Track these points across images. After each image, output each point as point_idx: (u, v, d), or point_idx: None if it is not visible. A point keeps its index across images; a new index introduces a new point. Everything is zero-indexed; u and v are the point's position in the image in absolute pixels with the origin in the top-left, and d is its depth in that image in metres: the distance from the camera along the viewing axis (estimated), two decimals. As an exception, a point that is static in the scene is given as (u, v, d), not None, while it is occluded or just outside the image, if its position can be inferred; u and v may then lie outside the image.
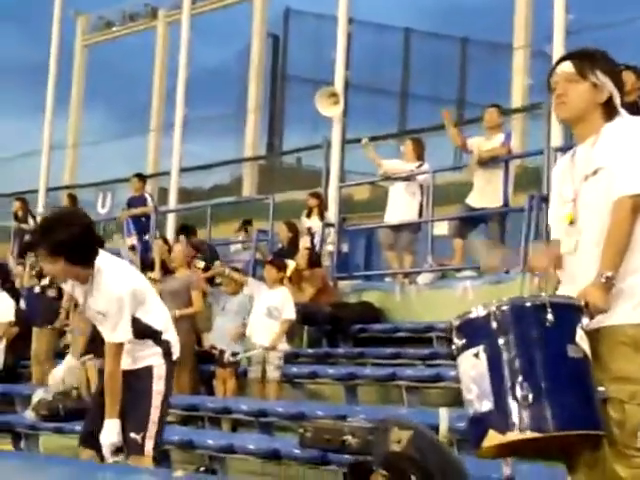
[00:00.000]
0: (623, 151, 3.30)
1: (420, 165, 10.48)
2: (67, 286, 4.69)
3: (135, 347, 4.53)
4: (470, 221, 9.89)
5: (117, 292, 4.39)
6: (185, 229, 11.81)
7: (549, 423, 3.03)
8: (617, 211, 3.26)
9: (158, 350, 4.57)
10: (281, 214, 12.32)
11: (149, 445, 4.47)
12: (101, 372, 4.75)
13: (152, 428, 4.46)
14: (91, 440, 4.55)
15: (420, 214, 10.38)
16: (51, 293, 11.28)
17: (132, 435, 4.44)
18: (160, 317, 4.64)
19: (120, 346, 4.44)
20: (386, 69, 21.04)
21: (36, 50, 20.52)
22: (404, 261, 10.44)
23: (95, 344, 9.10)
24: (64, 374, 5.52)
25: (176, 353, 4.65)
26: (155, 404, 4.49)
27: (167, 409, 4.69)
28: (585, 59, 3.47)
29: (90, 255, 4.43)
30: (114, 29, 22.59)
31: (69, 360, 5.79)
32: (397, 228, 10.46)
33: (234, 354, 9.25)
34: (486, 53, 19.79)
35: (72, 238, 4.33)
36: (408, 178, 10.41)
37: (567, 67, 3.47)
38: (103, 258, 4.47)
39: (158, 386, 4.51)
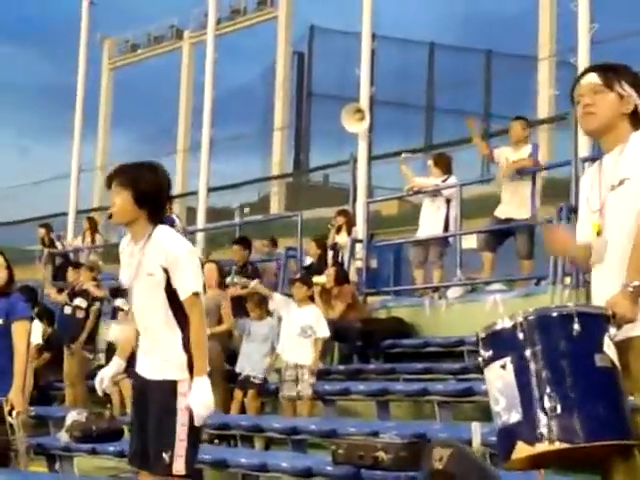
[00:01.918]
0: None
1: (446, 179, 10.47)
2: (122, 245, 4.51)
3: (162, 342, 4.35)
4: (499, 234, 9.85)
5: (180, 247, 4.31)
6: (244, 241, 11.83)
7: (578, 434, 3.01)
8: None
9: (183, 359, 4.34)
10: (309, 231, 12.33)
11: (178, 464, 4.28)
12: (135, 389, 4.66)
13: (180, 445, 4.28)
14: (139, 459, 4.43)
15: (446, 228, 10.35)
16: (80, 314, 11.36)
17: (162, 454, 4.28)
18: None
19: (197, 297, 4.28)
20: (411, 84, 21.09)
21: (63, 74, 20.77)
22: (434, 276, 10.42)
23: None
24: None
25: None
26: (181, 421, 4.28)
27: (200, 426, 4.47)
28: (609, 70, 3.49)
29: (157, 207, 4.36)
30: (139, 51, 22.81)
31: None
32: (425, 243, 10.46)
33: (256, 377, 9.30)
34: (511, 65, 19.78)
35: (147, 179, 4.32)
36: (435, 193, 10.41)
37: (593, 78, 3.48)
38: (166, 227, 4.41)
39: (182, 403, 4.29)
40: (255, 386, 9.35)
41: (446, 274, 10.32)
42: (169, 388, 4.33)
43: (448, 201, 10.39)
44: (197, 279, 4.33)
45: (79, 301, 11.44)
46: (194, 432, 4.36)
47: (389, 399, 8.58)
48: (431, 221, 10.41)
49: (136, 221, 4.37)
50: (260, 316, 9.62)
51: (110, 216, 4.46)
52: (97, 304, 11.49)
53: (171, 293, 4.34)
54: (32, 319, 6.39)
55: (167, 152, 19.99)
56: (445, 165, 10.62)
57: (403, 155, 11.26)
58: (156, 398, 4.35)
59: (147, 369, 4.45)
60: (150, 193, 4.33)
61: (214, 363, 8.75)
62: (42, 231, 15.39)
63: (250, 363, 9.41)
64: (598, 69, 3.51)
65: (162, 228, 4.38)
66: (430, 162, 10.93)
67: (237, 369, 9.50)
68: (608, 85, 3.43)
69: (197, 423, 4.28)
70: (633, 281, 3.21)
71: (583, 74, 3.55)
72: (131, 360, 4.62)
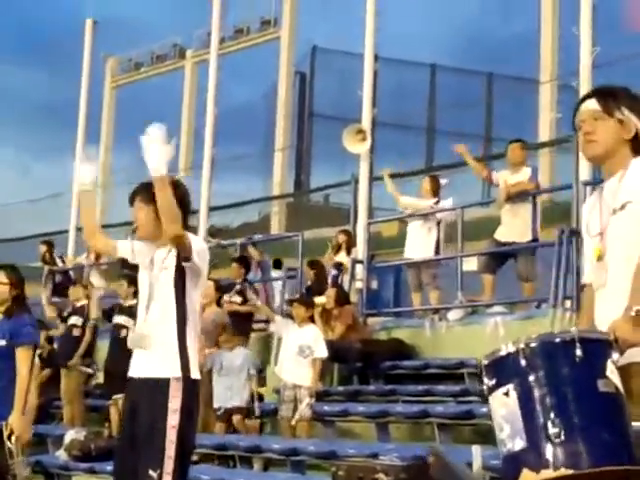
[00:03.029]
0: None
1: (437, 202, 10.57)
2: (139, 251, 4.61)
3: (160, 339, 4.38)
4: (499, 256, 9.86)
5: (196, 241, 4.48)
6: (243, 259, 11.86)
7: (583, 460, 2.98)
8: None
9: (177, 358, 4.37)
10: (310, 252, 12.34)
11: None
12: (126, 400, 4.60)
13: (169, 463, 4.27)
14: (132, 477, 4.39)
15: (437, 251, 10.43)
16: (76, 332, 11.35)
17: (149, 472, 4.26)
18: (196, 308, 4.53)
19: (181, 236, 4.34)
20: (412, 105, 21.14)
21: (67, 91, 20.81)
22: (431, 298, 10.45)
23: (116, 382, 9.24)
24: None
25: (195, 372, 4.43)
26: (170, 438, 4.28)
27: (190, 442, 4.48)
28: (609, 96, 3.48)
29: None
30: (142, 70, 22.86)
31: None
32: (418, 265, 10.53)
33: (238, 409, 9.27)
34: (512, 88, 19.83)
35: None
36: (428, 215, 10.49)
37: (592, 105, 3.48)
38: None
39: (172, 420, 4.30)
40: (240, 411, 9.31)
41: (446, 296, 10.33)
42: (161, 386, 4.34)
43: (438, 223, 10.48)
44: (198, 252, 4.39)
45: (74, 319, 11.43)
46: (183, 450, 4.34)
47: (389, 421, 8.57)
48: (422, 243, 10.49)
49: (159, 236, 4.48)
50: (233, 347, 9.56)
51: (134, 230, 4.54)
52: (93, 321, 11.45)
53: (179, 289, 4.42)
54: (37, 345, 6.33)
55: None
56: (437, 187, 10.72)
57: (386, 172, 11.36)
58: (147, 398, 4.36)
59: (141, 368, 4.46)
60: None
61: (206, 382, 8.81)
62: (43, 248, 15.37)
63: (232, 395, 9.32)
64: (598, 95, 3.50)
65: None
66: (425, 180, 10.99)
67: (215, 405, 9.40)
68: (607, 112, 3.43)
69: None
70: (636, 305, 3.21)
71: (583, 100, 3.56)
72: (122, 381, 4.63)
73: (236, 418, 9.27)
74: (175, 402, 4.32)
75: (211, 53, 16.25)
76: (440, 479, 2.53)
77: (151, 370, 4.41)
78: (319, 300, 10.16)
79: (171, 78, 22.59)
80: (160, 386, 4.35)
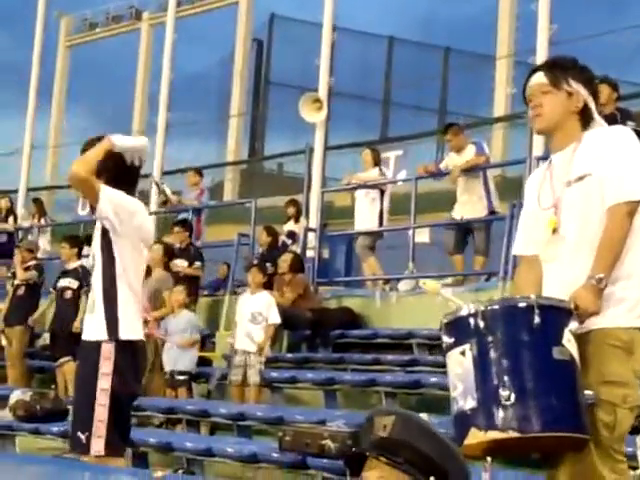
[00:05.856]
0: (614, 159, 3.30)
1: (381, 172, 10.69)
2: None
3: (93, 298, 4.35)
4: (462, 236, 9.89)
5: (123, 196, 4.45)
6: (185, 222, 11.79)
7: (532, 424, 3.03)
8: (612, 217, 3.27)
9: (102, 317, 4.28)
10: (262, 219, 12.32)
11: (97, 445, 4.17)
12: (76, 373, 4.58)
13: (100, 426, 4.17)
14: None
15: (380, 221, 10.47)
16: (20, 291, 11.25)
17: (78, 434, 4.21)
18: (130, 269, 4.36)
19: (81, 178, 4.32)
20: (369, 77, 21.10)
21: (19, 50, 20.46)
22: (366, 266, 10.53)
23: (61, 344, 9.11)
24: None
25: (128, 333, 4.29)
26: (100, 402, 4.19)
27: (126, 406, 4.36)
28: (556, 69, 3.49)
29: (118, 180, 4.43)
30: (97, 30, 22.53)
31: None
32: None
33: (182, 373, 9.27)
34: (469, 63, 19.85)
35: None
36: (377, 186, 10.57)
37: (540, 78, 3.49)
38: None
39: (103, 383, 4.21)
40: (183, 383, 9.31)
41: (397, 267, 10.38)
42: (91, 349, 4.30)
43: (382, 193, 10.56)
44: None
45: (18, 280, 11.37)
46: (117, 413, 4.25)
47: (336, 389, 8.62)
48: (367, 213, 10.57)
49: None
50: (179, 310, 9.54)
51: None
52: (32, 274, 11.31)
53: (105, 246, 4.34)
54: None
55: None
56: (378, 158, 10.84)
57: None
58: (80, 361, 4.38)
59: (83, 331, 4.44)
60: (118, 172, 4.47)
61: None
62: (3, 202, 15.21)
63: (170, 359, 9.34)
64: (545, 68, 3.52)
65: None
66: (366, 152, 11.06)
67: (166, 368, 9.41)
68: (555, 84, 3.44)
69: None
70: (598, 274, 3.22)
71: (532, 73, 3.56)
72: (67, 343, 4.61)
73: (181, 391, 9.28)
74: (107, 365, 4.23)
75: (168, 16, 16.09)
76: (403, 438, 2.52)
77: (86, 333, 4.39)
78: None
79: (126, 40, 22.26)
80: (91, 348, 4.30)
